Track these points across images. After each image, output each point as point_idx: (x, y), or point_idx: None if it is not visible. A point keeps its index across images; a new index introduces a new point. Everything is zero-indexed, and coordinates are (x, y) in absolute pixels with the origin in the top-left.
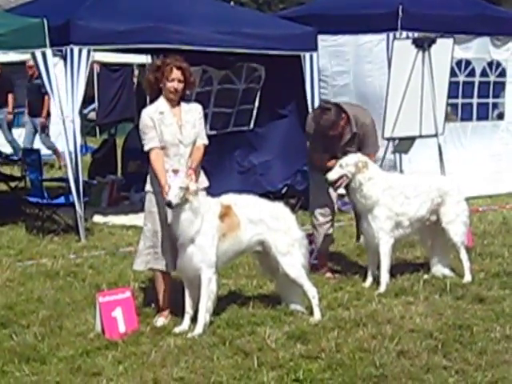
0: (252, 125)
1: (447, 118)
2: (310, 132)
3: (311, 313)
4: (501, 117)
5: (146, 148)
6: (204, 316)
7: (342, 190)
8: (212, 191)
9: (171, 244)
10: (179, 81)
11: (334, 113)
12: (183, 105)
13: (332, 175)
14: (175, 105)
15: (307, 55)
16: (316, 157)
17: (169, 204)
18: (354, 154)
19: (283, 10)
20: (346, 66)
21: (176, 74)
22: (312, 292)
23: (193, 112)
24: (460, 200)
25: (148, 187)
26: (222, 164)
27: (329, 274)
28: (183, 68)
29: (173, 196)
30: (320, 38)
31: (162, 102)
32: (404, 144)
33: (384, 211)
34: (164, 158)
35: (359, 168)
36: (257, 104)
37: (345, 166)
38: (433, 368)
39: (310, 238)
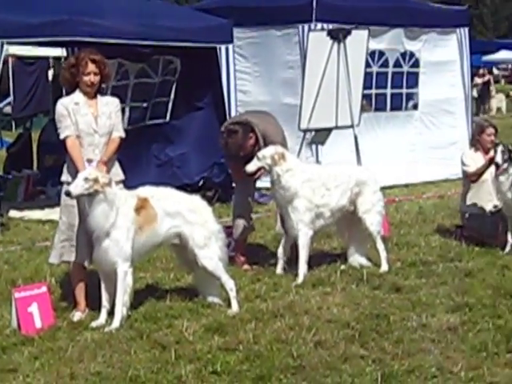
0: (168, 117)
1: (362, 109)
2: (222, 147)
3: (229, 305)
4: (415, 107)
5: (61, 136)
6: (121, 310)
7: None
8: (130, 184)
9: (87, 237)
10: (95, 74)
11: (240, 135)
12: (100, 98)
13: (250, 167)
14: (91, 97)
15: (223, 47)
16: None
17: (67, 194)
18: (272, 146)
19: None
20: (265, 57)
21: (91, 67)
22: (229, 284)
23: (109, 105)
24: (376, 190)
25: (64, 177)
26: (140, 157)
27: (246, 266)
28: (98, 61)
29: (73, 186)
30: (236, 30)
31: (77, 94)
32: (320, 135)
33: (303, 203)
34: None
35: (276, 160)
36: (172, 96)
37: (262, 158)
38: (350, 358)
39: (228, 230)
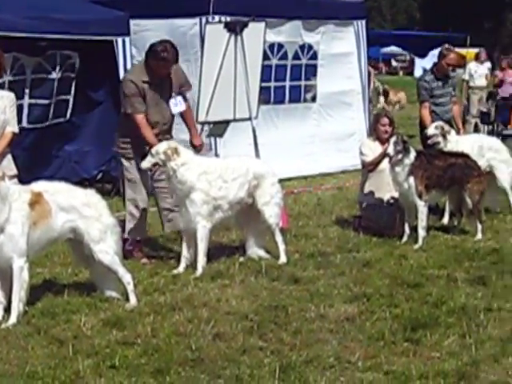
0: (68, 115)
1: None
2: None
3: (127, 299)
4: (313, 99)
5: None
6: (17, 306)
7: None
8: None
9: None
10: None
11: None
12: None
13: (144, 164)
14: None
15: (119, 40)
16: None
17: None
18: (165, 142)
19: None
20: None
21: None
22: (127, 278)
23: (4, 99)
24: (274, 182)
25: None
26: (40, 156)
27: (145, 260)
28: None
29: None
30: (133, 22)
31: None
32: (218, 128)
33: (200, 196)
34: None
35: (169, 155)
36: (73, 93)
37: (156, 154)
38: (248, 349)
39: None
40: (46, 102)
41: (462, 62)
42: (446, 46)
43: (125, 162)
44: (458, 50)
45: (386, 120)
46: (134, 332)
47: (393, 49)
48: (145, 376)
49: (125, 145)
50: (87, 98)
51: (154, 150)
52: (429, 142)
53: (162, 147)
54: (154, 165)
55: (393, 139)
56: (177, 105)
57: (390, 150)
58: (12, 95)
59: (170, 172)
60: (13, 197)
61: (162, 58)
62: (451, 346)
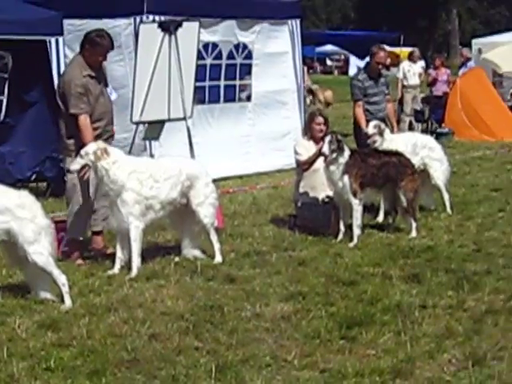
0: (2, 116)
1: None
2: None
3: (62, 300)
4: (248, 98)
5: None
6: None
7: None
8: None
9: None
10: None
11: None
12: None
13: (74, 166)
14: None
15: (53, 40)
16: None
17: None
18: (93, 142)
19: None
20: None
21: None
22: (61, 279)
23: None
24: (208, 182)
25: None
26: None
27: (80, 261)
28: None
29: None
30: (66, 22)
31: None
32: (153, 130)
33: (132, 195)
34: None
35: (99, 156)
36: (6, 94)
37: (85, 155)
38: (184, 349)
39: (62, 225)
40: None
41: (395, 61)
42: (377, 44)
43: (69, 162)
44: (391, 49)
45: (320, 119)
46: (69, 334)
47: (327, 48)
48: (80, 378)
49: (70, 145)
50: (20, 98)
51: (83, 152)
52: (368, 141)
53: (91, 148)
54: (84, 166)
55: (327, 138)
56: (111, 93)
57: (325, 148)
58: None
59: (102, 172)
60: None
61: (97, 43)
62: (386, 344)
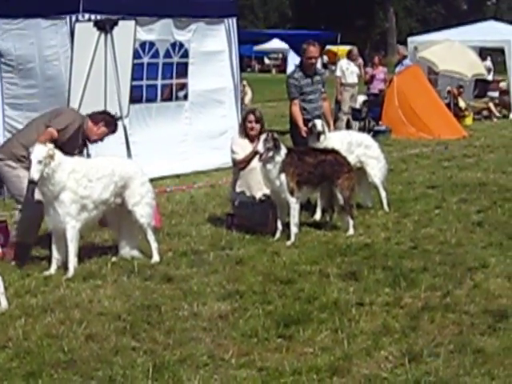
0: None
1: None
2: None
3: None
4: (185, 97)
5: None
6: None
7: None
8: None
9: None
10: None
11: None
12: None
13: (36, 175)
14: None
15: None
16: None
17: None
18: (41, 146)
19: None
20: (31, 49)
21: None
22: None
23: None
24: (144, 182)
25: None
26: None
27: (16, 262)
28: None
29: None
30: (2, 21)
31: None
32: None
33: (69, 195)
34: None
35: (50, 159)
36: None
37: (42, 160)
38: (121, 350)
39: (4, 224)
40: None
41: (333, 59)
42: (307, 40)
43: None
44: (329, 47)
45: (251, 117)
46: (4, 335)
47: (265, 47)
48: (16, 379)
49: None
50: None
51: (38, 157)
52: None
53: (44, 152)
54: (42, 172)
55: (263, 137)
56: None
57: (260, 147)
58: None
59: (49, 174)
60: None
61: None
62: (324, 341)
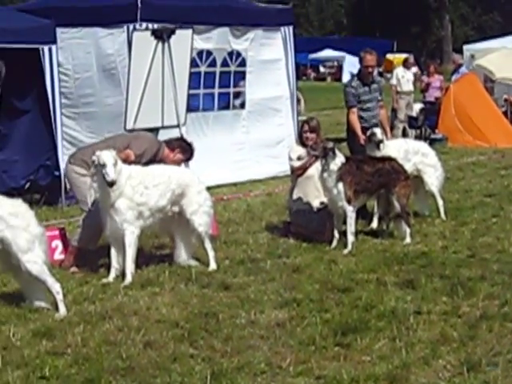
0: None
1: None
2: None
3: (56, 308)
4: (242, 106)
5: None
6: None
7: None
8: None
9: None
10: None
11: None
12: None
13: (112, 175)
14: None
15: (46, 48)
16: None
17: None
18: (107, 151)
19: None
20: (88, 58)
21: None
22: (55, 287)
23: None
24: (201, 190)
25: None
26: None
27: (74, 269)
28: None
29: None
30: (60, 30)
31: None
32: None
33: (125, 202)
34: None
35: (117, 161)
36: None
37: (115, 161)
38: (180, 357)
39: (55, 233)
40: None
41: (389, 67)
42: (364, 49)
43: (86, 178)
44: (387, 56)
45: (306, 127)
46: (63, 342)
47: (321, 55)
48: None
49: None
50: (13, 106)
51: (111, 160)
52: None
53: (114, 155)
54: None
55: (321, 145)
56: None
57: (318, 155)
58: None
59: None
60: None
61: None
62: (382, 350)
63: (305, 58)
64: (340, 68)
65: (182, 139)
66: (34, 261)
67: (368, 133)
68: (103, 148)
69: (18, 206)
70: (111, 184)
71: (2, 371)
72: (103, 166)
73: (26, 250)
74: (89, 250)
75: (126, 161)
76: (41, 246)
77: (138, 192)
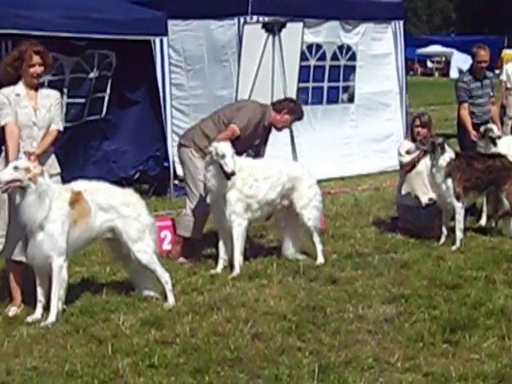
0: (104, 113)
1: None
2: None
3: (165, 298)
4: (351, 100)
5: (1, 123)
6: (56, 304)
7: None
8: (67, 181)
9: (21, 232)
10: (39, 65)
11: None
12: (40, 90)
13: (232, 167)
14: (33, 89)
15: (157, 40)
16: None
17: None
18: (227, 142)
19: None
20: (200, 50)
21: (35, 59)
22: (165, 277)
23: (50, 97)
24: (312, 184)
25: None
26: (77, 154)
27: (182, 259)
28: (41, 52)
29: (1, 174)
30: (171, 22)
31: (20, 86)
32: None
33: (235, 193)
34: None
35: None
36: (108, 91)
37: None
38: (287, 349)
39: (165, 223)
40: (82, 100)
41: (499, 63)
42: (477, 44)
43: (196, 160)
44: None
45: (417, 121)
46: (172, 331)
47: (428, 50)
48: (184, 375)
49: (202, 143)
50: (123, 97)
51: (230, 152)
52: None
53: (231, 146)
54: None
55: (430, 140)
56: None
57: (427, 149)
58: (58, 94)
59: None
60: (53, 195)
61: None
62: (490, 348)
63: (412, 52)
64: (448, 63)
65: (289, 99)
66: (144, 250)
67: (482, 128)
68: (209, 126)
69: (129, 195)
70: (231, 175)
71: (112, 358)
72: (222, 156)
73: (137, 239)
74: (196, 240)
75: (233, 137)
76: (151, 236)
77: (248, 184)
